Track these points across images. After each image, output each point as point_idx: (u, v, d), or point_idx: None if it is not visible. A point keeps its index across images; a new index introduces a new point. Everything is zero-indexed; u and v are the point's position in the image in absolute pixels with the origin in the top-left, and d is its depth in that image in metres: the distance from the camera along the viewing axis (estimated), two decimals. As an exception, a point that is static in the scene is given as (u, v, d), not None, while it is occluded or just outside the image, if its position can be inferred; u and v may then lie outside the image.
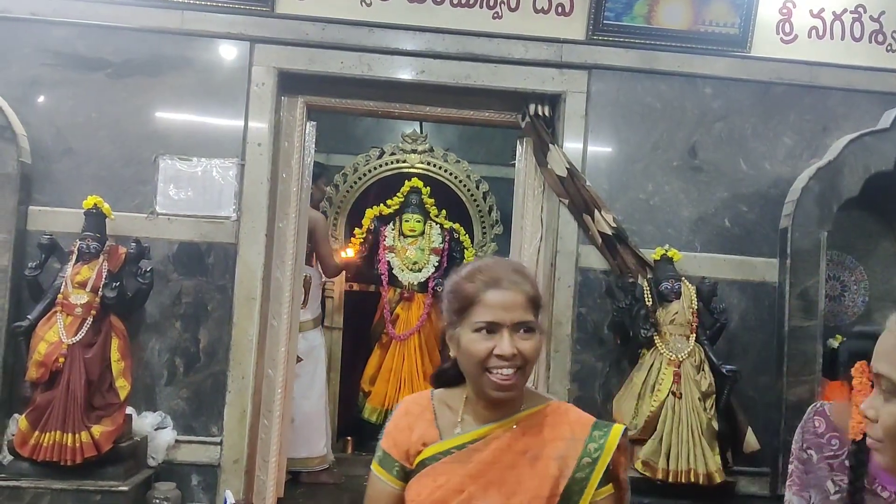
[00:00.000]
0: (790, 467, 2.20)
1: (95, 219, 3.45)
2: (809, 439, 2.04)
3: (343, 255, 5.38)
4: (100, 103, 3.71)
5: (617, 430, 1.48)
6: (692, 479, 3.30)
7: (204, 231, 3.70)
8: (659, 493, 3.34)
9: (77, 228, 3.47)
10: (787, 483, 2.27)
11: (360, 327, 5.55)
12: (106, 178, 3.67)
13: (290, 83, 3.87)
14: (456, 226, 5.61)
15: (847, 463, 1.91)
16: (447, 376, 1.58)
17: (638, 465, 3.39)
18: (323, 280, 5.07)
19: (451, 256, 5.61)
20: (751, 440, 3.61)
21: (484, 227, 5.65)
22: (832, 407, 2.05)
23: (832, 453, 1.98)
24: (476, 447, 1.46)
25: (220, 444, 3.65)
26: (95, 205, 3.45)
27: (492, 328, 1.42)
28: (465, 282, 1.47)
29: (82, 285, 3.33)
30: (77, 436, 3.16)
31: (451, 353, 1.50)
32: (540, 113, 3.93)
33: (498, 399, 1.44)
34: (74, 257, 3.38)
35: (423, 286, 5.55)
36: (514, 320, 1.42)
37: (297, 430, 4.61)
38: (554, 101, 3.94)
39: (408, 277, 5.55)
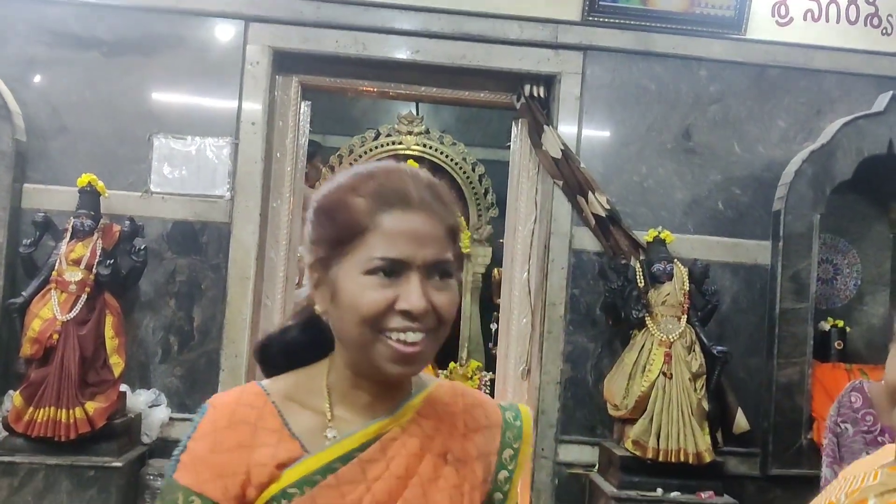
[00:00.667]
0: (824, 442, 2.25)
1: (90, 197, 3.46)
2: (846, 413, 2.09)
3: None
4: (94, 82, 3.71)
5: (525, 410, 1.09)
6: (682, 459, 3.33)
7: (198, 210, 3.71)
8: (649, 472, 3.37)
9: (71, 206, 3.47)
10: (823, 456, 2.32)
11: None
12: (100, 157, 3.67)
13: (284, 62, 3.87)
14: (451, 208, 5.62)
15: (880, 440, 1.96)
16: (282, 348, 1.03)
17: (628, 445, 3.42)
18: None
19: (446, 239, 5.62)
20: (741, 421, 3.64)
21: (479, 210, 5.66)
22: (870, 385, 2.10)
23: (867, 428, 2.03)
24: (369, 456, 0.94)
25: (214, 421, 3.66)
26: (90, 183, 3.46)
27: (393, 269, 0.91)
28: (349, 195, 0.94)
29: (77, 263, 3.34)
30: (71, 412, 3.18)
31: (318, 307, 0.97)
32: (535, 94, 3.92)
33: (396, 376, 0.95)
34: (69, 235, 3.39)
35: (418, 268, 5.57)
36: (429, 259, 0.92)
37: None
38: (549, 82, 3.94)
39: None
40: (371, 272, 0.91)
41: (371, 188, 0.93)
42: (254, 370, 3.79)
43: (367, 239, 0.92)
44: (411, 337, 0.92)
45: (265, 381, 1.01)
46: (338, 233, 0.94)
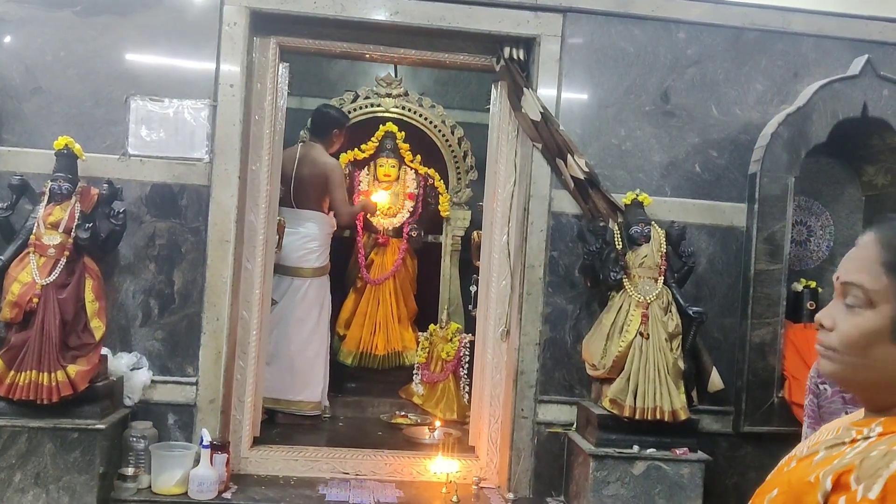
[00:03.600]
0: (805, 402, 2.30)
1: (67, 159, 3.42)
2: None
3: (373, 197, 5.45)
4: (68, 42, 3.65)
5: None
6: (658, 416, 3.40)
7: (176, 173, 3.69)
8: (626, 430, 3.45)
9: (48, 169, 3.44)
10: (804, 417, 2.37)
11: (334, 272, 5.58)
12: (77, 118, 3.63)
13: (262, 23, 3.82)
14: (431, 171, 5.63)
15: None
16: None
17: (606, 404, 3.49)
18: (332, 230, 5.06)
19: (425, 202, 5.65)
20: (715, 380, 3.72)
21: (459, 173, 5.66)
22: None
23: None
24: None
25: (196, 384, 3.69)
26: (67, 145, 3.42)
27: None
28: None
29: (55, 226, 3.31)
30: (53, 375, 3.18)
31: None
32: (515, 56, 3.92)
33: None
34: (46, 198, 3.36)
35: (397, 231, 5.60)
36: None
37: (296, 373, 4.71)
38: (529, 44, 3.93)
39: (382, 223, 5.58)
40: None
41: None
42: (235, 332, 3.80)
43: None
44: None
45: None
46: None
